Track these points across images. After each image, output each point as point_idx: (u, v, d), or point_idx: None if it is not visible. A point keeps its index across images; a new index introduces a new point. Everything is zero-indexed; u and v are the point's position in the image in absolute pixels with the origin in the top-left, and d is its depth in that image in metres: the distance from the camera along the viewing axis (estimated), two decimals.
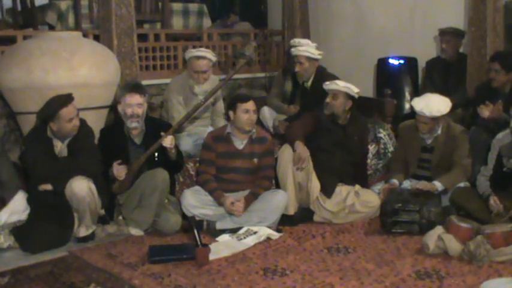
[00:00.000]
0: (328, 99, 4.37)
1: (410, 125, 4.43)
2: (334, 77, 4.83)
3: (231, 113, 4.16)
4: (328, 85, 4.41)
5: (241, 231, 3.94)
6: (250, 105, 4.10)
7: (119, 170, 3.95)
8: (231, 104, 4.18)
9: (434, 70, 5.55)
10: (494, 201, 3.80)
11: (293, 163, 4.13)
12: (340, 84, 4.35)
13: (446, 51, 5.43)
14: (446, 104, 4.21)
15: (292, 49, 5.13)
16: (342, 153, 4.36)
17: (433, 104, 4.16)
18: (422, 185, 4.13)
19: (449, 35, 5.41)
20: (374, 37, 6.43)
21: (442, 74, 5.47)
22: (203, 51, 4.74)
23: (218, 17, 7.50)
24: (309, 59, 5.01)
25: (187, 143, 4.67)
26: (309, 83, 5.12)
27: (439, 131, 4.30)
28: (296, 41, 5.27)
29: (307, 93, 5.11)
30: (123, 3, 5.00)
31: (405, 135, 4.52)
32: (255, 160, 4.17)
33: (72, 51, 4.41)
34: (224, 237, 3.88)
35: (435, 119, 4.19)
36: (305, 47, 5.04)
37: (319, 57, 5.07)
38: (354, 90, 4.35)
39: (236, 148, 4.18)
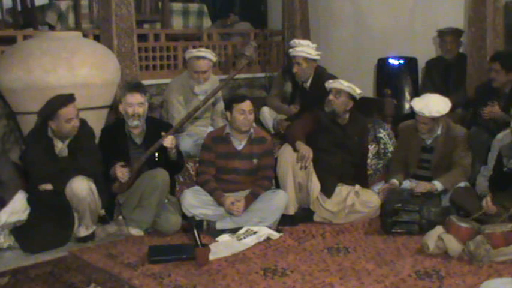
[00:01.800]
0: (330, 97, 4.36)
1: (410, 125, 4.43)
2: (333, 78, 4.82)
3: (228, 113, 4.16)
4: (331, 83, 4.41)
5: (241, 231, 3.93)
6: (245, 105, 4.09)
7: (122, 172, 3.95)
8: (228, 104, 4.19)
9: (435, 70, 5.55)
10: (486, 202, 3.79)
11: (299, 160, 4.13)
12: (344, 83, 4.35)
13: (451, 51, 5.42)
14: (445, 104, 4.21)
15: (290, 50, 5.13)
16: (342, 153, 4.36)
17: (433, 104, 4.16)
18: (422, 187, 4.12)
19: (452, 35, 5.41)
20: (374, 37, 6.43)
21: (443, 74, 5.47)
22: (203, 51, 4.74)
23: (218, 17, 7.51)
24: (307, 59, 5.00)
25: (187, 143, 4.67)
26: (308, 84, 5.11)
27: (439, 131, 4.30)
28: (296, 41, 5.27)
29: (306, 94, 5.11)
30: (123, 3, 5.00)
31: (405, 135, 4.52)
32: (255, 161, 4.17)
33: (72, 51, 4.42)
34: (224, 237, 3.87)
35: (435, 119, 4.20)
36: (303, 48, 5.03)
37: (317, 57, 5.05)
38: (357, 91, 4.35)
39: (235, 148, 4.17)
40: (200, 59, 4.69)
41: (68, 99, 3.90)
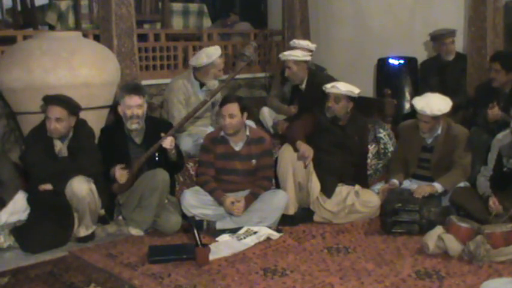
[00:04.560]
0: (329, 103, 4.34)
1: (411, 125, 4.43)
2: (329, 78, 4.82)
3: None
4: (329, 89, 4.36)
5: (241, 231, 3.93)
6: (224, 110, 4.04)
7: (121, 174, 3.95)
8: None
9: (430, 71, 5.55)
10: (493, 203, 3.80)
11: (298, 160, 4.12)
12: (341, 88, 4.32)
13: (452, 52, 5.43)
14: (446, 103, 4.21)
15: (280, 55, 5.14)
16: (342, 154, 4.35)
17: (434, 103, 4.16)
18: (423, 191, 4.11)
19: (451, 36, 5.41)
20: (374, 37, 6.43)
21: (439, 75, 5.46)
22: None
23: (218, 17, 7.52)
24: (297, 62, 4.98)
25: (187, 143, 4.67)
26: (303, 86, 5.09)
27: (439, 131, 4.29)
28: (296, 42, 5.28)
29: (302, 96, 5.09)
30: (123, 3, 5.01)
31: (405, 134, 4.51)
32: (253, 161, 4.16)
33: (72, 51, 4.42)
34: (224, 237, 3.87)
35: (436, 118, 4.19)
36: (290, 52, 5.03)
37: (306, 58, 5.02)
38: (355, 91, 4.34)
39: (234, 149, 4.16)
40: (221, 57, 4.83)
41: (56, 100, 3.91)
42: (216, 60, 4.76)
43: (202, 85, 4.80)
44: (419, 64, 5.77)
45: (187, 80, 4.80)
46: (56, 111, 3.87)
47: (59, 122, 3.88)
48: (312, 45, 5.18)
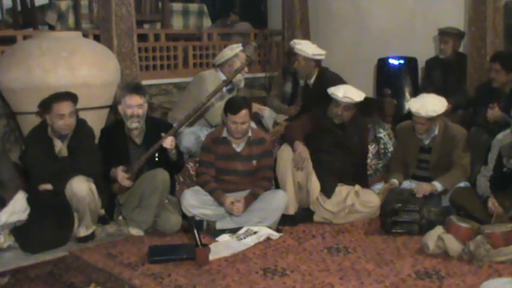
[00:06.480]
0: (339, 112, 4.34)
1: (408, 126, 4.42)
2: (337, 77, 4.82)
3: (224, 117, 4.15)
4: (341, 98, 4.29)
5: (241, 231, 3.93)
6: (237, 117, 4.00)
7: (123, 179, 3.95)
8: (224, 108, 4.12)
9: (434, 70, 5.56)
10: (492, 204, 3.80)
11: (293, 163, 4.13)
12: (355, 99, 4.30)
13: (444, 51, 5.44)
14: (441, 103, 4.21)
15: (292, 41, 5.12)
16: (342, 154, 4.35)
17: (429, 104, 4.16)
18: (422, 189, 4.12)
19: (447, 35, 5.42)
20: (374, 37, 6.43)
21: (442, 74, 5.47)
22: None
23: (218, 17, 7.52)
24: (306, 58, 4.99)
25: (189, 140, 4.66)
26: (312, 81, 5.09)
27: (436, 131, 4.29)
28: (296, 42, 5.27)
29: (309, 92, 5.08)
30: (123, 3, 5.01)
31: (403, 135, 4.51)
32: (254, 162, 4.16)
33: (72, 51, 4.42)
34: (224, 237, 3.87)
35: (431, 119, 4.19)
36: (302, 46, 5.02)
37: (316, 57, 5.00)
38: (363, 97, 4.36)
39: (234, 150, 4.16)
40: (243, 52, 4.87)
41: (65, 95, 3.91)
42: (239, 53, 4.80)
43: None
44: (425, 62, 5.77)
45: (216, 76, 4.80)
46: (70, 106, 3.89)
47: (71, 116, 3.90)
48: (313, 46, 5.17)
